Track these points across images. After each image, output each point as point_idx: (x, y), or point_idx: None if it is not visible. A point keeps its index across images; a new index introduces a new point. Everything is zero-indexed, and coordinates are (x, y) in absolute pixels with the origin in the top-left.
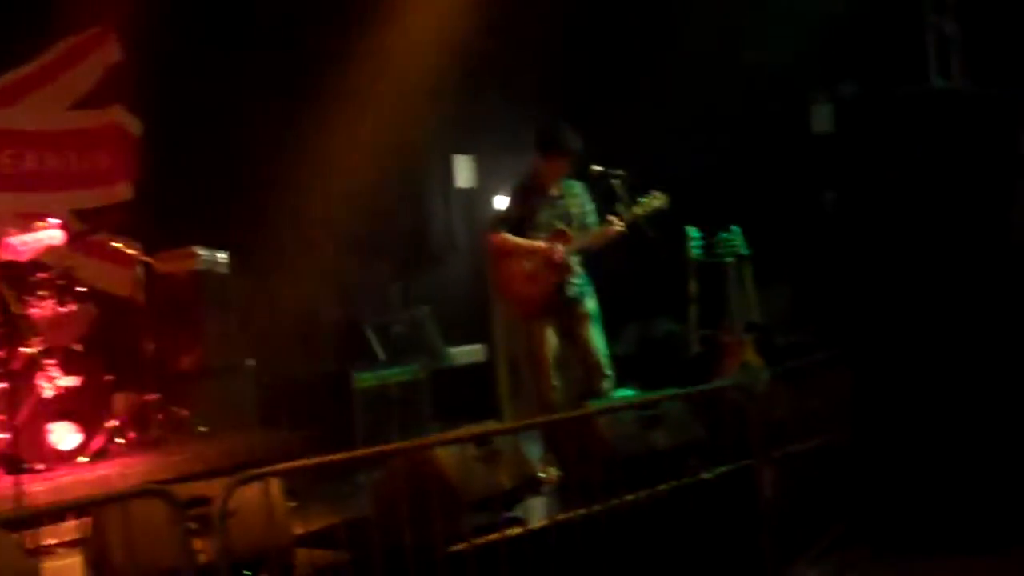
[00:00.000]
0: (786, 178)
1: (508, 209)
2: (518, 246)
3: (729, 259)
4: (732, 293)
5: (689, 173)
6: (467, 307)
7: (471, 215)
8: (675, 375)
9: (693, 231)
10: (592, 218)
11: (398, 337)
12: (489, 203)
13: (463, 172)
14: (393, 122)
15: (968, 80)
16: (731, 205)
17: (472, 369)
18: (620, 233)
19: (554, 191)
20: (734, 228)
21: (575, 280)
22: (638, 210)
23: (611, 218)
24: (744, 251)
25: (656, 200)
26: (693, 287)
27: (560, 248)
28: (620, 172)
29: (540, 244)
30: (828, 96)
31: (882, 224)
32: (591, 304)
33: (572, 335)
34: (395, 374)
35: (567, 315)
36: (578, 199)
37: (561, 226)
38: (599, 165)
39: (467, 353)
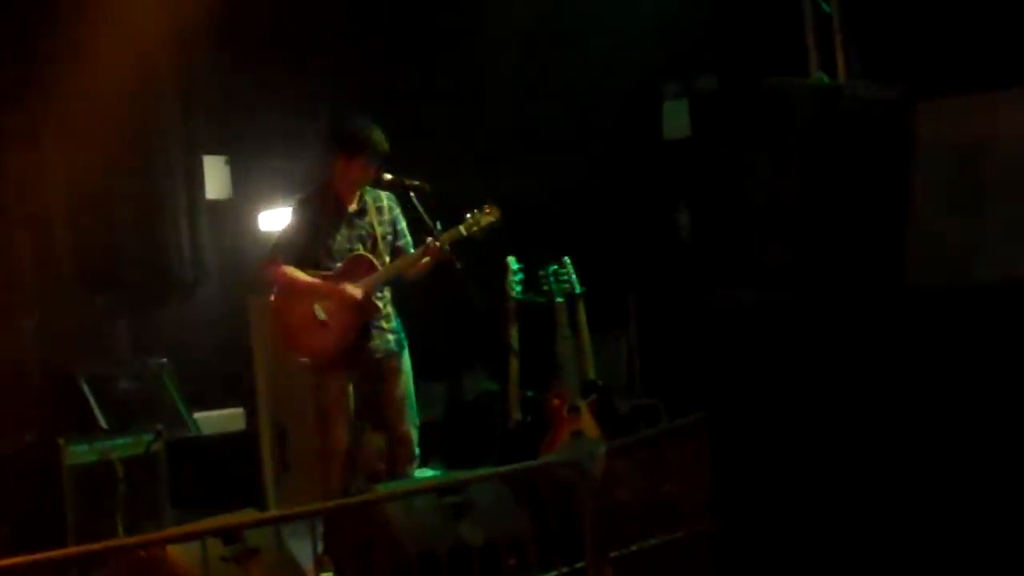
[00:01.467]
0: (631, 196)
1: (290, 230)
2: (304, 283)
3: (559, 299)
4: (562, 343)
5: (508, 189)
6: (220, 358)
7: (225, 235)
8: (490, 449)
9: (513, 262)
10: (405, 238)
11: (125, 396)
12: (251, 219)
13: (215, 178)
14: (120, 116)
15: (856, 73)
16: (561, 231)
17: (226, 440)
18: (443, 257)
19: (353, 205)
20: (565, 259)
21: (384, 324)
22: (465, 228)
23: (430, 239)
24: (577, 288)
25: (487, 215)
26: (513, 335)
27: (360, 284)
28: (418, 183)
29: (331, 279)
30: (682, 91)
31: (748, 252)
32: (404, 358)
33: (375, 398)
34: (120, 446)
35: (371, 371)
36: (386, 214)
37: (362, 251)
38: (390, 173)
39: (219, 419)
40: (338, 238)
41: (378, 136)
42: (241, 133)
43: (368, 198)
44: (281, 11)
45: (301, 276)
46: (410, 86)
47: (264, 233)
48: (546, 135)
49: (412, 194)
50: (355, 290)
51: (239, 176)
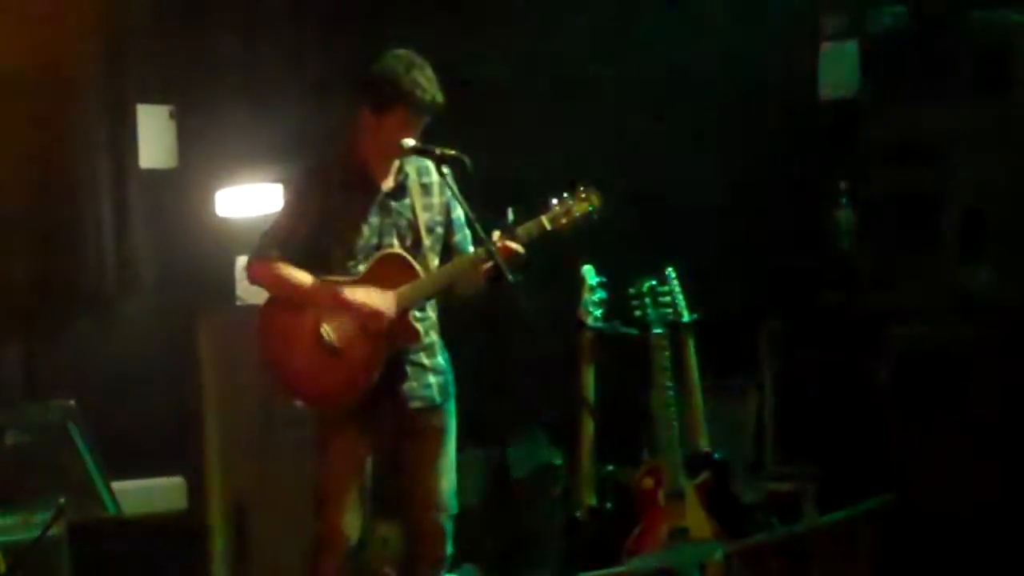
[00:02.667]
0: (767, 182)
1: (289, 213)
2: (307, 290)
3: (657, 329)
4: (660, 395)
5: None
6: (154, 402)
7: (169, 222)
8: (550, 547)
9: (591, 274)
10: (463, 232)
11: (13, 456)
12: (205, 198)
13: (154, 139)
14: (18, 50)
15: None
16: (663, 232)
17: (158, 524)
18: (516, 260)
19: (388, 181)
20: (668, 272)
21: (423, 357)
22: (550, 219)
23: (497, 234)
24: (685, 315)
25: (582, 202)
26: (588, 381)
27: (392, 295)
28: (454, 153)
29: (349, 287)
30: (848, 30)
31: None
32: (449, 413)
33: (405, 462)
34: (6, 526)
35: (400, 424)
36: (436, 195)
37: (397, 248)
38: (412, 139)
39: (149, 492)
40: (363, 228)
41: (427, 79)
42: (193, 73)
43: (411, 170)
44: None
45: (302, 279)
46: (451, 14)
47: (223, 220)
48: (642, 96)
49: (444, 170)
50: (384, 303)
51: (189, 135)
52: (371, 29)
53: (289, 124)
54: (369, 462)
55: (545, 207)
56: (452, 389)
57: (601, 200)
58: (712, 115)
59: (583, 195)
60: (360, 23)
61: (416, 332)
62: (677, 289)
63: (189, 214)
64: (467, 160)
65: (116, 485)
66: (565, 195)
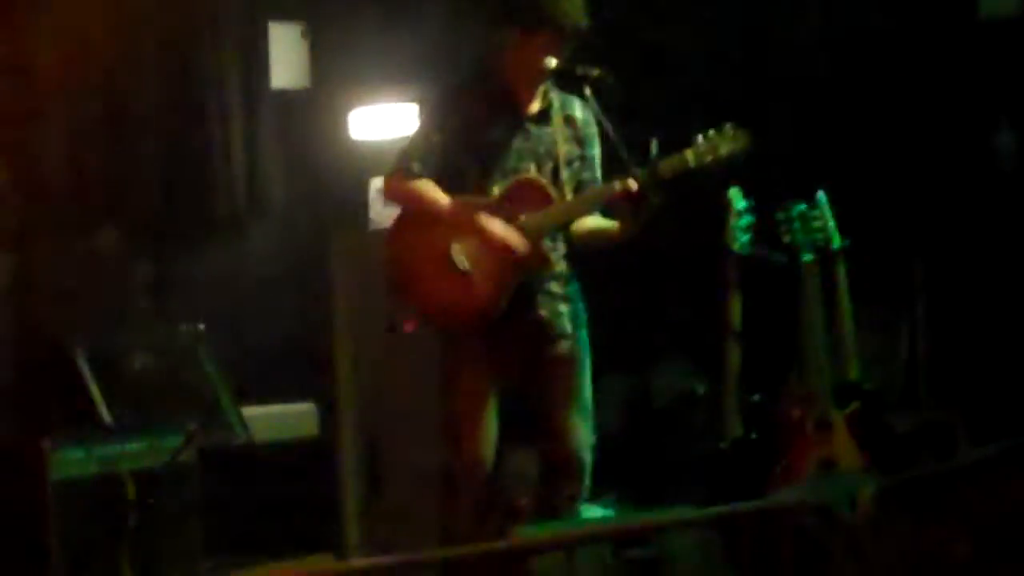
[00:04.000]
0: (923, 105)
1: (428, 131)
2: (442, 208)
3: (807, 256)
4: (810, 323)
5: (733, 85)
6: (284, 327)
7: (300, 142)
8: (693, 479)
9: (738, 198)
10: (593, 171)
11: (142, 380)
12: (339, 120)
13: (286, 58)
14: None
15: None
16: (813, 155)
17: (290, 450)
18: (656, 190)
19: (534, 106)
20: (819, 197)
21: (554, 286)
22: (694, 155)
23: (634, 172)
24: (836, 242)
25: (729, 140)
26: (735, 309)
27: (526, 219)
28: (597, 72)
29: (485, 209)
30: None
31: None
32: (581, 341)
33: (532, 396)
34: (133, 453)
35: (530, 353)
36: (580, 129)
37: (534, 173)
38: (555, 60)
39: (281, 419)
40: (502, 150)
41: (573, 3)
42: None
43: (555, 99)
44: None
45: (439, 198)
46: None
47: (356, 142)
48: (793, 18)
49: (588, 90)
50: (517, 240)
51: (322, 54)
52: None
53: (424, 42)
54: (497, 391)
55: (689, 142)
56: (583, 318)
57: (749, 140)
58: (870, 31)
59: (730, 133)
60: None
61: (547, 259)
62: (828, 214)
63: (321, 135)
64: (610, 79)
65: (246, 411)
66: (712, 132)
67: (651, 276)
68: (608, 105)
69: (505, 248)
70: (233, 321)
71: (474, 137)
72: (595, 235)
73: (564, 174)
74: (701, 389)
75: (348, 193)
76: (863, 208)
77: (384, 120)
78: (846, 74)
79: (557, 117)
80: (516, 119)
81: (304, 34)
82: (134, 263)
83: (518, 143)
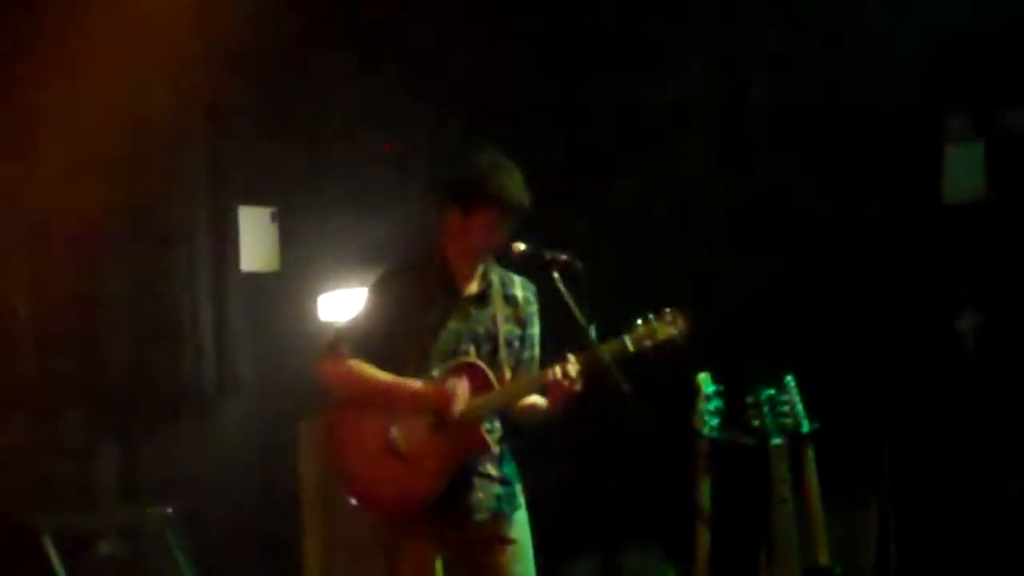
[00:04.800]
0: (888, 287)
1: (367, 314)
2: (379, 386)
3: (776, 440)
4: (779, 507)
5: (700, 271)
6: (253, 510)
7: (269, 325)
8: None
9: (707, 382)
10: (532, 351)
11: (109, 564)
12: (307, 303)
13: (256, 241)
14: (112, 143)
15: None
16: (780, 337)
17: None
18: (574, 384)
19: (472, 286)
20: (787, 380)
21: (490, 468)
22: (633, 340)
23: (571, 358)
24: (805, 425)
25: (668, 325)
26: (704, 492)
27: (460, 398)
28: (565, 257)
29: (422, 389)
30: (974, 130)
31: None
32: (520, 520)
33: None
34: None
35: (470, 538)
36: (520, 309)
37: (473, 357)
38: (523, 242)
39: None
40: (441, 333)
41: (513, 178)
42: (297, 177)
43: (495, 279)
44: (357, 8)
45: (377, 376)
46: (551, 113)
47: (325, 324)
48: (759, 190)
49: (556, 275)
50: (456, 407)
51: (291, 238)
52: (473, 133)
53: (393, 227)
54: (439, 568)
55: (628, 326)
56: (521, 499)
57: (687, 325)
58: (834, 218)
59: (668, 318)
60: (465, 125)
61: (487, 443)
62: (796, 398)
63: (291, 318)
64: (579, 264)
65: None
66: (651, 316)
67: (621, 459)
68: (576, 290)
69: (449, 399)
70: (203, 503)
71: (412, 319)
72: (528, 412)
73: (503, 354)
74: (671, 572)
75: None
76: (831, 391)
77: (353, 303)
78: (813, 258)
79: (497, 297)
80: (455, 300)
81: (273, 217)
82: (102, 443)
83: (457, 324)
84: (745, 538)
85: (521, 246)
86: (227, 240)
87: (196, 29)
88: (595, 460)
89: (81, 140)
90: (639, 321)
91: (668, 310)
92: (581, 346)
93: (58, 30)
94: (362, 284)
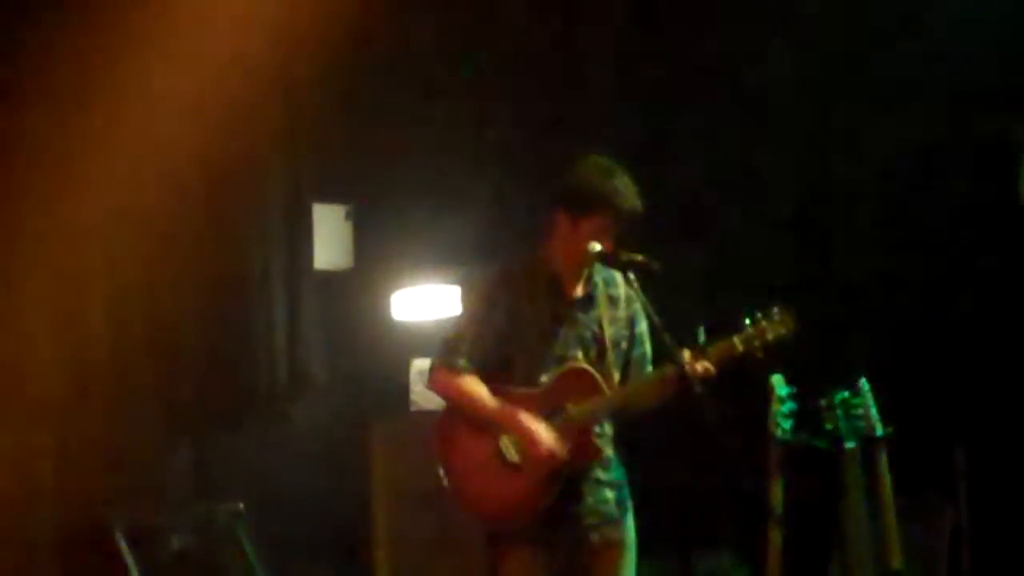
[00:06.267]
0: (965, 291)
1: (471, 320)
2: (488, 405)
3: (850, 443)
4: (852, 509)
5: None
6: (324, 508)
7: (342, 323)
8: None
9: (780, 385)
10: (643, 348)
11: (181, 559)
12: (381, 301)
13: (330, 239)
14: (188, 143)
15: None
16: (855, 342)
17: None
18: (702, 382)
19: (578, 290)
20: (861, 384)
21: (600, 473)
22: (742, 341)
23: (687, 356)
24: (879, 429)
25: (777, 325)
26: (777, 495)
27: (574, 409)
28: (642, 259)
29: (533, 401)
30: None
31: None
32: (628, 524)
33: None
34: None
35: (579, 543)
36: (622, 309)
37: (582, 362)
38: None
39: None
40: (550, 339)
41: (626, 185)
42: (371, 174)
43: (599, 280)
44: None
45: (485, 398)
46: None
47: (399, 323)
48: (834, 197)
49: (631, 276)
50: (558, 446)
51: (365, 235)
52: (553, 132)
53: (468, 226)
54: None
55: (737, 327)
56: (629, 503)
57: (795, 323)
58: (911, 225)
59: (777, 317)
60: (543, 126)
61: (598, 450)
62: (870, 401)
63: (364, 316)
64: (655, 266)
65: None
66: (759, 315)
67: (693, 460)
68: (651, 292)
69: (550, 456)
70: (274, 501)
71: (520, 326)
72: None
73: (610, 356)
74: (743, 575)
75: (390, 373)
76: (905, 395)
77: (426, 301)
78: (889, 261)
79: (602, 299)
80: (562, 305)
81: (348, 215)
82: (175, 440)
83: (564, 330)
84: (817, 541)
85: (597, 247)
86: (301, 238)
87: (272, 22)
88: (668, 461)
89: (157, 135)
90: (747, 321)
91: (776, 309)
92: (657, 349)
93: (134, 23)
94: (436, 281)
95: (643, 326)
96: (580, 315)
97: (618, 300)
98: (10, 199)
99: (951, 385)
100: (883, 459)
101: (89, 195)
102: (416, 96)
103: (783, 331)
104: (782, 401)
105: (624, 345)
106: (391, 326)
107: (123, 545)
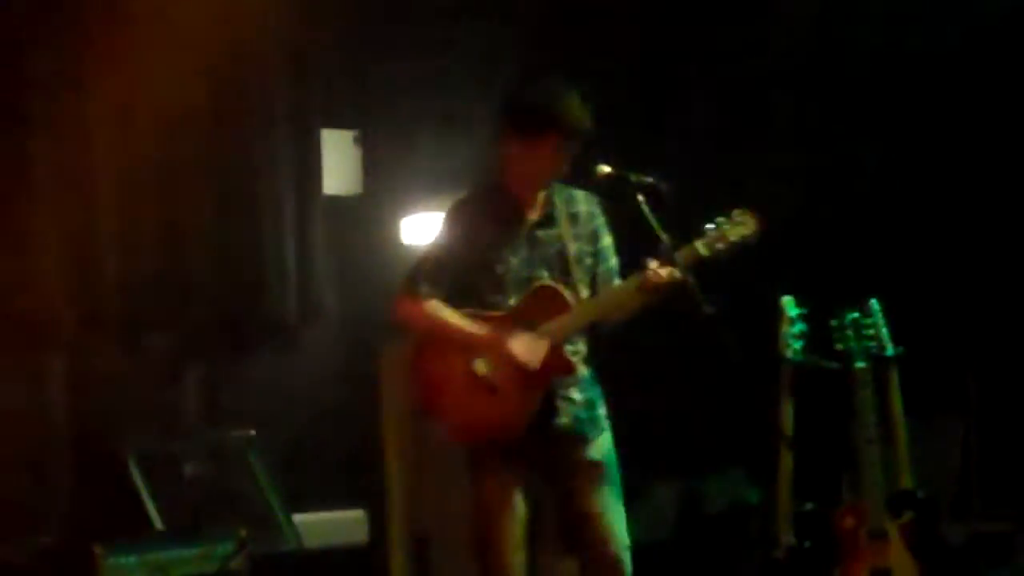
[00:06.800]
0: (981, 204)
1: (438, 248)
2: (458, 327)
3: (860, 363)
4: (863, 430)
5: (782, 191)
6: (334, 433)
7: (351, 249)
8: None
9: (790, 305)
10: (608, 262)
11: (193, 485)
12: (390, 226)
13: (338, 164)
14: (194, 66)
15: None
16: (866, 259)
17: (339, 557)
18: (665, 291)
19: (536, 212)
20: (871, 304)
21: (574, 392)
22: (705, 244)
23: (650, 262)
24: (889, 349)
25: (738, 226)
26: (787, 416)
27: (545, 329)
28: (650, 180)
29: (500, 322)
30: None
31: None
32: (604, 442)
33: (567, 500)
34: (184, 559)
35: (555, 462)
36: (583, 225)
37: (547, 280)
38: (607, 164)
39: (330, 525)
40: (512, 260)
41: (574, 106)
42: (380, 98)
43: (558, 201)
44: None
45: (453, 317)
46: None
47: (409, 248)
48: (840, 102)
49: (640, 197)
50: (535, 352)
51: (375, 161)
52: (566, 55)
53: (477, 150)
54: (523, 499)
55: (699, 232)
56: (605, 423)
57: (757, 223)
58: (924, 141)
59: (738, 218)
60: (554, 47)
61: (572, 365)
62: (881, 321)
63: (373, 242)
64: (663, 186)
65: (296, 517)
66: (720, 219)
67: (703, 382)
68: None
69: (524, 366)
70: (285, 427)
71: (482, 251)
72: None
73: (576, 273)
74: (754, 497)
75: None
76: (916, 315)
77: (435, 227)
78: (902, 181)
79: (562, 217)
80: (523, 227)
81: (356, 141)
82: (186, 367)
83: (527, 251)
84: (828, 462)
85: (606, 169)
86: (310, 163)
87: None
88: (677, 383)
89: (167, 57)
90: (709, 226)
91: (737, 210)
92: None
93: None
94: (445, 207)
95: (607, 240)
96: (541, 235)
97: (579, 217)
98: (18, 122)
99: (963, 304)
100: (894, 379)
101: (97, 122)
102: (426, 20)
103: (745, 232)
104: (792, 322)
105: (589, 261)
106: (400, 251)
107: (135, 471)
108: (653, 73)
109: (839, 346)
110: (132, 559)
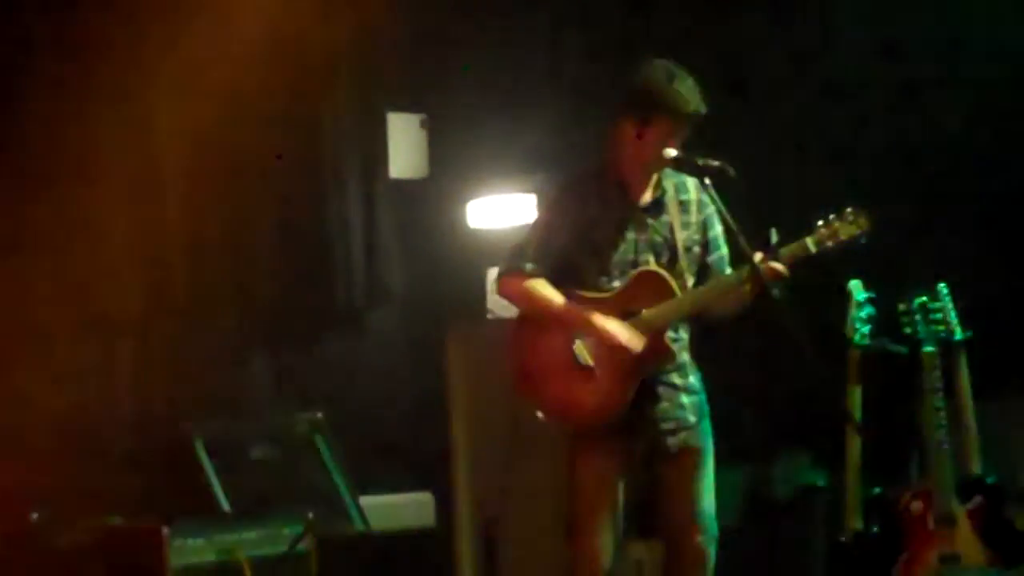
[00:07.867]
0: None
1: (542, 227)
2: (560, 308)
3: (928, 348)
4: (931, 415)
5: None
6: (401, 417)
7: (418, 232)
8: (814, 573)
9: (858, 290)
10: (719, 251)
11: (260, 468)
12: (456, 210)
13: (405, 148)
14: (261, 52)
15: None
16: (935, 244)
17: (407, 540)
18: (777, 282)
19: (646, 196)
20: (940, 288)
21: (675, 377)
22: (815, 241)
23: (759, 256)
24: (958, 333)
25: (850, 225)
26: (855, 400)
27: (648, 313)
28: (718, 164)
29: (604, 305)
30: None
31: None
32: (704, 432)
33: (660, 486)
34: (251, 541)
35: (652, 447)
36: (693, 214)
37: (653, 265)
38: (676, 150)
39: (397, 508)
40: (619, 244)
41: (689, 89)
42: (445, 82)
43: (668, 186)
44: None
45: (554, 299)
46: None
47: (474, 231)
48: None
49: (707, 181)
50: (633, 339)
51: (441, 144)
52: (629, 37)
53: (543, 134)
54: (621, 484)
55: (810, 228)
56: (706, 409)
57: (870, 223)
58: (992, 127)
59: (850, 217)
60: (619, 30)
61: (672, 353)
62: (949, 306)
63: (439, 225)
64: (731, 170)
65: (364, 500)
66: (832, 216)
67: (771, 365)
68: (728, 196)
69: (623, 349)
70: (352, 410)
71: (589, 232)
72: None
73: (683, 262)
74: (821, 481)
75: (466, 282)
76: (985, 299)
77: (502, 210)
78: (970, 166)
79: (672, 204)
80: (631, 211)
81: (423, 124)
82: (253, 351)
83: (634, 235)
84: (896, 447)
85: (672, 152)
86: (376, 147)
87: None
88: (744, 367)
89: (234, 45)
90: (820, 222)
91: (849, 209)
92: (735, 253)
93: None
94: (512, 190)
95: (718, 230)
96: (650, 220)
97: (689, 205)
98: (89, 116)
99: None
100: (962, 363)
101: (164, 109)
102: (492, 4)
103: (856, 231)
104: (860, 306)
105: (697, 250)
106: (466, 235)
107: (203, 456)
108: (724, 61)
109: (907, 330)
110: (200, 541)
